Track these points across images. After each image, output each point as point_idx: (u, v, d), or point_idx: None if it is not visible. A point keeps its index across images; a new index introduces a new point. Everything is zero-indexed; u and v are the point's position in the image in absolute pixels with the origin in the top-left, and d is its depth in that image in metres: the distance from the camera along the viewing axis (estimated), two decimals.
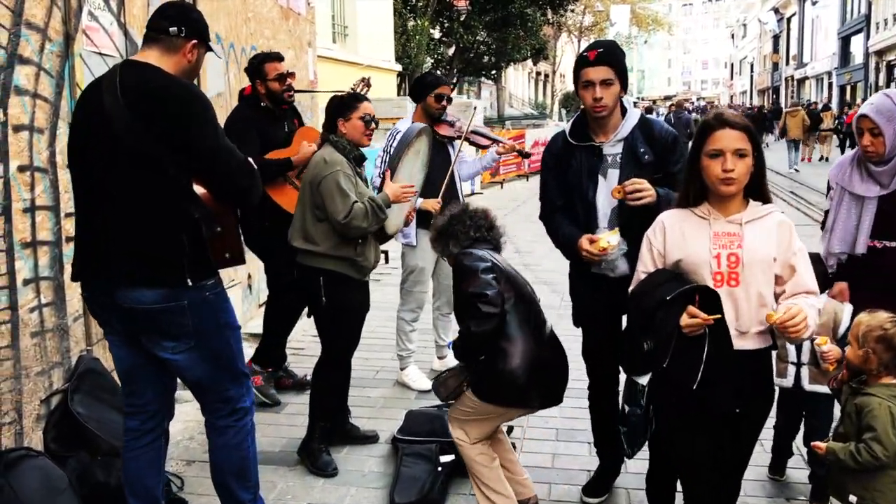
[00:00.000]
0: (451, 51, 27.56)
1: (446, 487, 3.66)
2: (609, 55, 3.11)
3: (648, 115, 3.42)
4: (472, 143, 5.01)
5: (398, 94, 19.44)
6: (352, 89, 4.90)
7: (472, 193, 16.37)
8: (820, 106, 27.04)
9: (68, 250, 3.69)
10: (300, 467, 3.92)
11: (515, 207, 14.76)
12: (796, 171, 20.08)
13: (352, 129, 3.81)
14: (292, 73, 4.71)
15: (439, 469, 3.67)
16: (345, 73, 13.90)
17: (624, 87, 3.15)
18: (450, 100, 4.89)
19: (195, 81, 3.01)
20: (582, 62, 3.14)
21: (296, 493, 3.68)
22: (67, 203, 3.68)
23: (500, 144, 5.04)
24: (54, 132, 3.58)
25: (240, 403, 2.93)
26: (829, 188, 3.60)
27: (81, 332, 3.82)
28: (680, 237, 2.64)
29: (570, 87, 54.12)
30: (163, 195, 2.61)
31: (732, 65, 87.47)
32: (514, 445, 4.05)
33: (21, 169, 3.34)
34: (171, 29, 2.71)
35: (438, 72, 27.72)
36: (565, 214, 3.36)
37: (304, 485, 3.75)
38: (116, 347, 2.86)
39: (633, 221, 3.09)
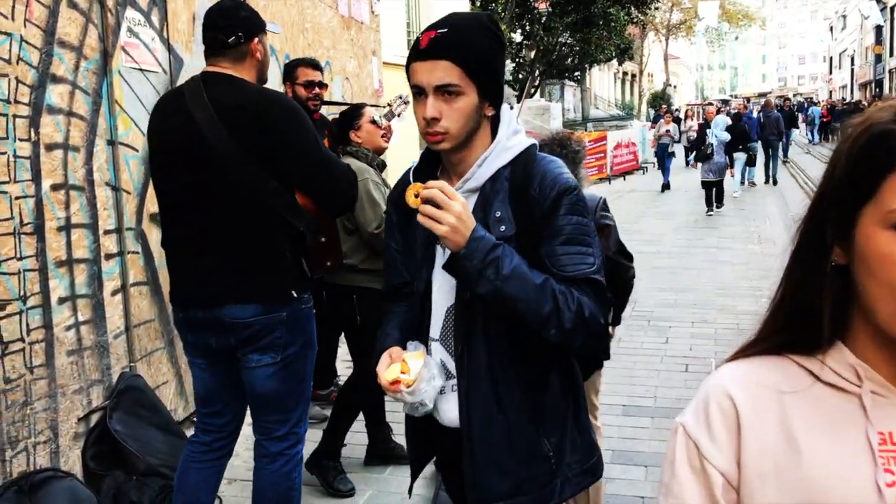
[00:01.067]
0: (533, 53, 27.29)
1: None
2: (454, 41, 1.68)
3: (541, 153, 1.85)
4: None
5: None
6: (388, 105, 4.78)
7: None
8: None
9: (108, 267, 3.70)
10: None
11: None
12: None
13: (367, 136, 3.73)
14: (324, 84, 4.62)
15: None
16: None
17: (493, 96, 1.75)
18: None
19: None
20: (412, 52, 1.74)
21: None
22: (107, 220, 3.69)
23: None
24: (91, 150, 3.59)
25: (297, 427, 2.84)
26: None
27: (123, 349, 3.81)
28: (788, 447, 0.99)
29: (658, 87, 53.14)
30: (267, 210, 2.58)
31: (831, 58, 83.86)
32: None
33: (55, 188, 3.35)
34: (230, 41, 2.62)
35: (520, 75, 27.57)
36: (405, 306, 1.98)
37: None
38: (200, 370, 2.83)
39: (476, 335, 1.78)
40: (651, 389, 4.98)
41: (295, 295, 2.66)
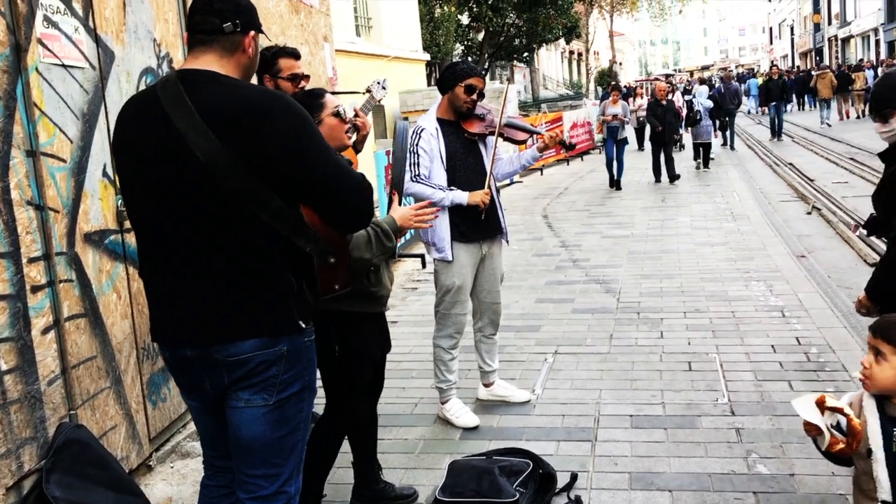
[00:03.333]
0: (481, 36, 26.79)
1: None
2: None
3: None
4: (506, 139, 4.30)
5: (428, 85, 18.78)
6: (368, 90, 4.27)
7: (511, 183, 15.66)
8: (868, 64, 28.18)
9: (36, 302, 3.12)
10: None
11: (557, 195, 14.00)
12: (828, 125, 23.14)
13: (328, 131, 3.03)
14: (307, 76, 4.08)
15: None
16: (370, 66, 13.28)
17: None
18: (482, 95, 4.19)
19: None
20: None
21: None
22: (31, 246, 3.09)
23: (540, 137, 4.33)
24: (6, 163, 2.98)
25: (286, 486, 2.38)
26: None
27: (61, 397, 3.23)
28: None
29: (605, 65, 52.97)
30: (269, 231, 2.19)
31: (771, 29, 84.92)
32: (579, 500, 3.38)
33: None
34: (225, 25, 2.24)
35: (469, 58, 27.08)
36: None
37: None
38: (199, 413, 2.49)
39: None
40: (657, 395, 4.55)
41: (303, 325, 2.30)
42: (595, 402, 4.50)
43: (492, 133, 4.20)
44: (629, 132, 16.00)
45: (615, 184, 14.03)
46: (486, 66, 27.38)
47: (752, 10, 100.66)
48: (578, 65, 52.75)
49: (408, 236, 8.88)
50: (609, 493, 3.49)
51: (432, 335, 4.44)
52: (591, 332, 5.82)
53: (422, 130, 4.11)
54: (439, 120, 4.18)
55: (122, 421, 3.68)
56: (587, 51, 50.11)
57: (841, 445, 2.27)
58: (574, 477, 3.60)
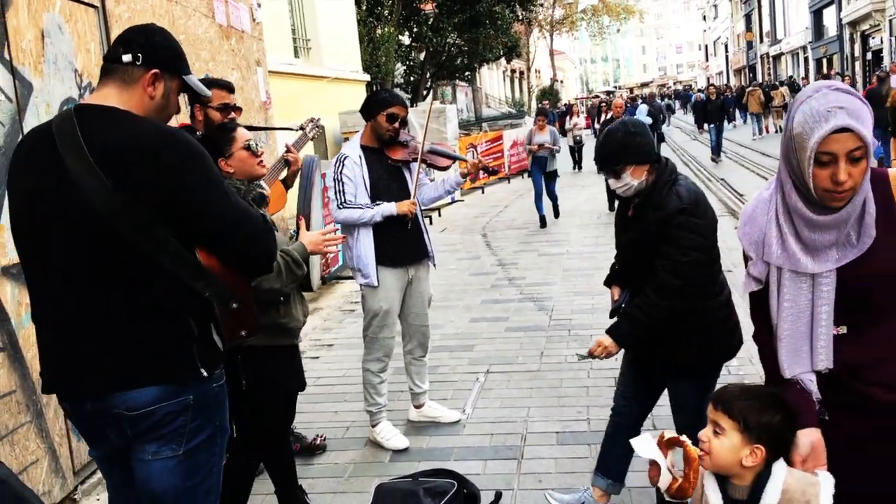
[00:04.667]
0: (423, 56, 26.99)
1: None
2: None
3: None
4: (430, 165, 4.40)
5: None
6: (301, 128, 4.31)
7: (453, 202, 15.78)
8: (799, 81, 29.44)
9: None
10: None
11: (497, 213, 14.17)
12: (759, 138, 24.60)
13: (239, 164, 3.07)
14: (238, 108, 4.11)
15: None
16: (309, 87, 13.30)
17: None
18: (404, 122, 4.27)
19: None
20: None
21: None
22: None
23: (464, 164, 4.43)
24: None
25: None
26: (744, 255, 2.21)
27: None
28: None
29: (546, 83, 53.74)
30: (163, 275, 2.11)
31: (706, 46, 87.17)
32: None
33: None
34: (124, 57, 2.18)
35: (412, 77, 27.25)
36: None
37: None
38: (103, 463, 2.37)
39: None
40: (583, 411, 4.66)
41: (205, 374, 2.20)
42: (523, 420, 4.58)
43: (415, 160, 4.29)
44: (561, 162, 13.59)
45: (545, 221, 12.03)
46: (427, 86, 27.58)
47: (688, 29, 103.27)
48: (521, 83, 53.43)
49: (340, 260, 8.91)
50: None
51: None
52: (523, 350, 5.92)
53: (345, 158, 4.17)
54: (363, 147, 4.25)
55: (44, 455, 3.64)
56: (528, 69, 50.85)
57: (680, 481, 2.06)
58: (498, 496, 3.68)
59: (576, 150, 19.83)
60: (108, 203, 2.04)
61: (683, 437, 2.10)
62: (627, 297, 3.25)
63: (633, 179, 3.01)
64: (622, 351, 3.28)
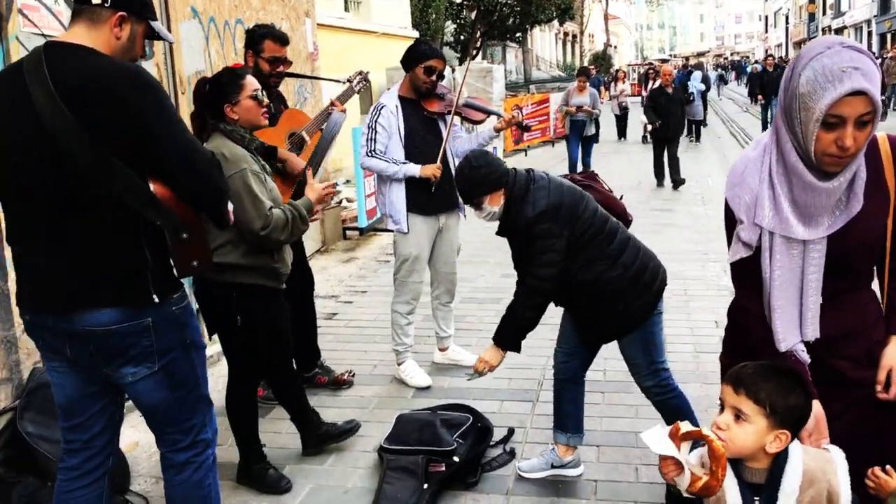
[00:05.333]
0: (474, 14, 26.88)
1: None
2: None
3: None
4: (464, 119, 4.57)
5: None
6: (348, 80, 4.50)
7: None
8: None
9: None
10: None
11: None
12: None
13: (244, 112, 3.21)
14: (288, 62, 4.32)
15: (425, 486, 3.30)
16: (357, 42, 13.46)
17: None
18: (441, 76, 4.44)
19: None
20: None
21: None
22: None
23: (499, 119, 4.59)
24: None
25: (201, 434, 2.57)
26: (729, 220, 2.11)
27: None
28: None
29: (599, 48, 53.05)
30: (116, 202, 2.24)
31: (766, 17, 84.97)
32: (513, 451, 3.68)
33: None
34: None
35: (461, 37, 27.20)
36: None
37: None
38: (60, 375, 2.48)
39: None
40: (601, 362, 4.80)
41: (157, 299, 2.35)
42: (542, 368, 4.78)
43: (450, 112, 4.45)
44: (605, 130, 13.37)
45: None
46: (477, 45, 27.51)
47: None
48: (573, 46, 52.84)
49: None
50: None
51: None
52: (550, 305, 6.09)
53: (382, 108, 4.36)
54: (401, 98, 4.43)
55: None
56: (581, 33, 50.22)
57: (705, 478, 1.84)
58: (511, 431, 3.91)
59: (621, 118, 19.53)
60: (67, 133, 2.16)
61: (707, 431, 1.85)
62: None
63: (492, 207, 3.24)
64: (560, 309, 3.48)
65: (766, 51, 75.64)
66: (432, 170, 4.33)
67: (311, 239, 7.87)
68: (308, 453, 3.81)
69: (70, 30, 2.34)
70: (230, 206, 2.51)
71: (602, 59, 46.40)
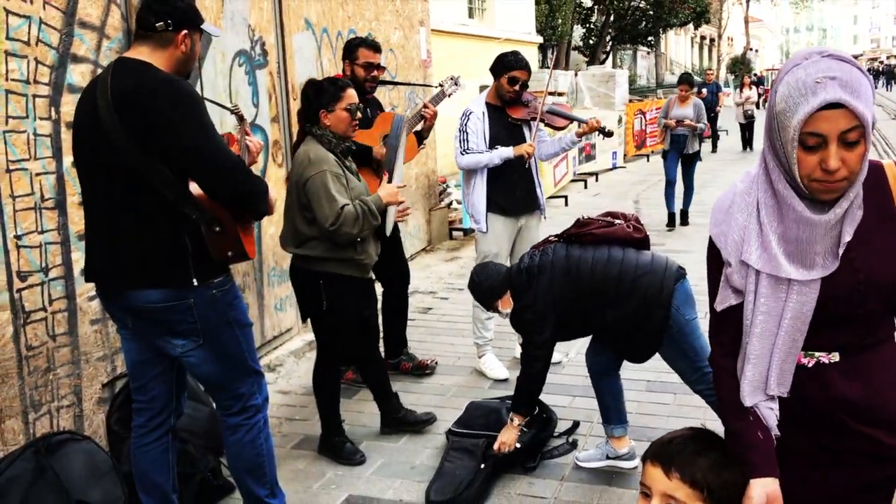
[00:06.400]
0: (603, 18, 26.71)
1: (488, 486, 3.54)
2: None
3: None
4: (547, 125, 4.78)
5: (540, 67, 19.07)
6: (440, 85, 4.83)
7: (614, 167, 15.87)
8: None
9: None
10: None
11: (655, 182, 14.11)
12: None
13: (336, 122, 3.55)
14: (381, 67, 4.69)
15: (482, 466, 3.54)
16: (481, 48, 13.79)
17: None
18: (525, 85, 4.66)
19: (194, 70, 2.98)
20: None
21: (341, 482, 3.68)
22: None
23: (581, 125, 4.76)
24: None
25: (251, 401, 2.94)
26: (715, 261, 1.83)
27: None
28: None
29: (738, 52, 51.30)
30: (160, 198, 2.60)
31: None
32: (575, 443, 3.86)
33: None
34: (157, 24, 2.65)
35: (590, 41, 27.09)
36: None
37: (351, 474, 3.74)
38: (127, 342, 2.91)
39: None
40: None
41: (196, 283, 2.67)
42: (622, 368, 4.91)
43: (534, 119, 4.67)
44: (728, 141, 11.90)
45: (674, 220, 9.79)
46: (606, 49, 27.33)
47: None
48: (710, 50, 51.36)
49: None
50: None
51: None
52: None
53: (470, 113, 4.63)
54: (487, 104, 4.69)
55: None
56: (720, 36, 48.70)
57: None
58: (576, 424, 4.09)
59: (746, 127, 18.26)
60: (115, 135, 2.52)
61: None
62: None
63: (505, 308, 3.64)
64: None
65: None
66: (525, 147, 4.56)
67: (417, 238, 8.25)
68: (385, 433, 4.14)
69: (135, 48, 2.70)
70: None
71: (741, 64, 44.86)
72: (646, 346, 3.45)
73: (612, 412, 3.70)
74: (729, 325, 1.80)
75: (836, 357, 1.74)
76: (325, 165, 3.46)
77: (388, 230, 3.86)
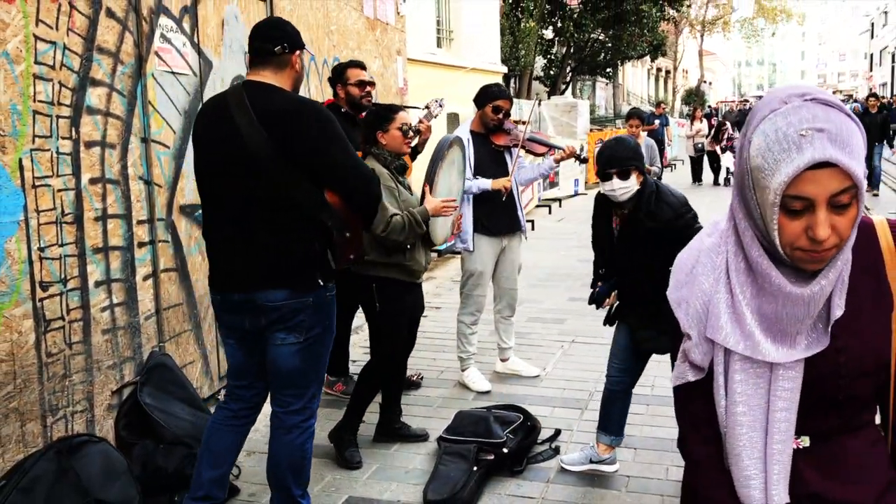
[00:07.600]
0: (564, 50, 27.38)
1: (480, 487, 3.78)
2: None
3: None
4: (528, 152, 5.09)
5: None
6: (426, 107, 5.12)
7: (576, 193, 16.30)
8: None
9: (140, 255, 4.04)
10: None
11: None
12: None
13: (391, 140, 3.98)
14: (372, 83, 4.97)
15: (475, 469, 3.78)
16: (448, 77, 14.13)
17: None
18: (507, 114, 4.98)
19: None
20: None
21: (340, 485, 3.88)
22: (140, 211, 4.02)
23: (558, 151, 5.08)
24: (126, 147, 3.92)
25: (312, 403, 3.18)
26: (674, 329, 1.54)
27: (153, 330, 4.15)
28: None
29: (692, 84, 52.72)
30: (300, 207, 2.91)
31: (871, 55, 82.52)
32: (557, 449, 4.12)
33: (93, 181, 3.69)
34: (276, 49, 2.97)
35: (551, 71, 27.73)
36: None
37: (349, 478, 3.95)
38: (233, 348, 3.20)
39: None
40: (650, 378, 5.21)
41: (321, 283, 3.00)
42: (595, 381, 5.20)
43: (515, 145, 4.98)
44: (678, 176, 11.69)
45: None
46: (566, 80, 27.98)
47: (852, 36, 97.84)
48: (665, 82, 52.70)
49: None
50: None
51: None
52: (611, 329, 6.49)
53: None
54: (472, 132, 4.98)
55: (198, 358, 4.59)
56: (675, 69, 50.05)
57: None
58: (558, 432, 4.35)
59: (696, 161, 18.07)
60: (263, 149, 2.84)
61: None
62: (607, 287, 4.06)
63: (635, 184, 3.60)
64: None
65: (871, 90, 73.47)
66: (502, 182, 4.86)
67: None
68: (378, 440, 4.35)
69: (257, 72, 3.02)
70: None
71: (695, 96, 46.13)
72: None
73: (615, 424, 3.95)
74: (697, 404, 1.53)
75: (805, 442, 1.49)
76: (381, 180, 3.79)
77: (439, 240, 4.21)
